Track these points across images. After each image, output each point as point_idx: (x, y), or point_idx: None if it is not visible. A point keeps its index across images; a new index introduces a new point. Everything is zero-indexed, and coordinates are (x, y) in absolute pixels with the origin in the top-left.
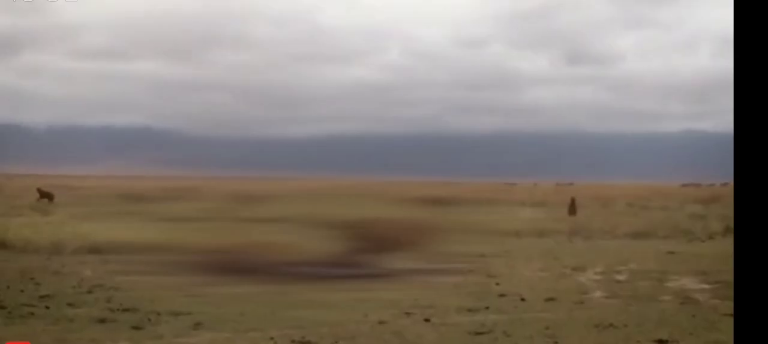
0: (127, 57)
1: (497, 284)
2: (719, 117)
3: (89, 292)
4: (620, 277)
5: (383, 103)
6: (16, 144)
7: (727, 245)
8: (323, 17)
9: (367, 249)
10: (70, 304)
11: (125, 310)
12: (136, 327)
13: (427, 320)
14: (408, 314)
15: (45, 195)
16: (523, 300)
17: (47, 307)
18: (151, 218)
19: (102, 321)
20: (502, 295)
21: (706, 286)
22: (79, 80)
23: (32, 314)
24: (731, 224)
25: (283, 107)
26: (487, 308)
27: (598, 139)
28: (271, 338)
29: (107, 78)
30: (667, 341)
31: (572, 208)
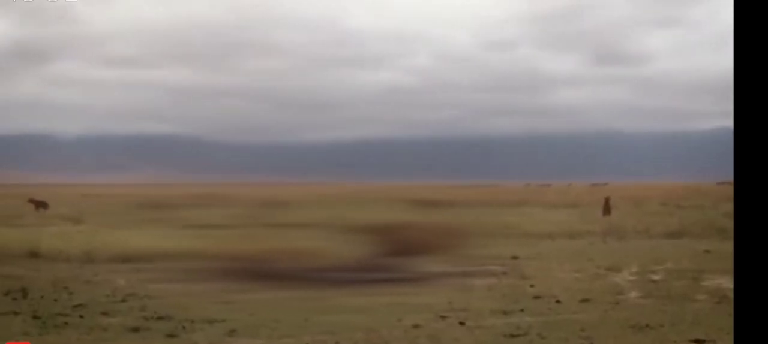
0: (154, 65)
1: (531, 286)
2: None
3: (123, 301)
4: (655, 277)
5: (412, 106)
6: (45, 153)
7: None
8: (350, 22)
9: (399, 253)
10: (103, 313)
11: (159, 318)
12: (171, 335)
13: (461, 323)
14: (442, 317)
15: (39, 204)
16: (557, 301)
17: (81, 316)
18: (181, 225)
19: (136, 329)
20: (536, 297)
21: None
22: (107, 89)
23: (66, 323)
24: None
25: (311, 112)
26: (522, 310)
27: (630, 138)
28: None
29: (135, 86)
30: (703, 341)
31: (606, 209)
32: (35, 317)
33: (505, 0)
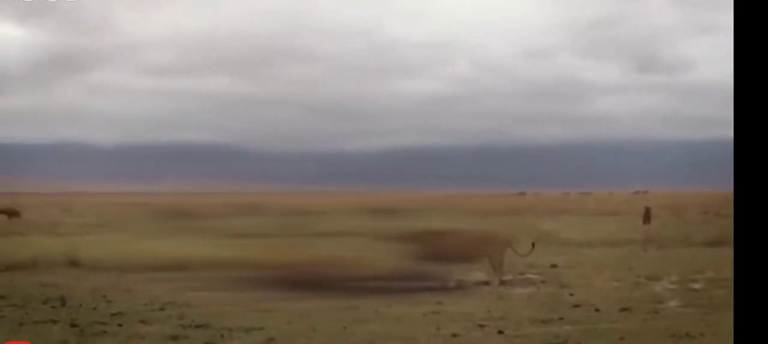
0: (191, 74)
1: (571, 295)
2: None
3: (161, 309)
4: (696, 286)
5: (450, 115)
6: (83, 162)
7: None
8: (389, 31)
9: (436, 262)
10: (142, 321)
11: (197, 327)
12: None
13: (500, 332)
14: (481, 326)
15: (11, 213)
16: (597, 310)
17: (120, 325)
18: (220, 234)
19: (174, 338)
20: (575, 306)
21: None
22: (144, 97)
23: (105, 332)
24: None
25: (348, 121)
26: (561, 319)
27: (669, 146)
28: None
29: (173, 95)
30: None
31: (646, 217)
32: (73, 325)
33: (544, 8)
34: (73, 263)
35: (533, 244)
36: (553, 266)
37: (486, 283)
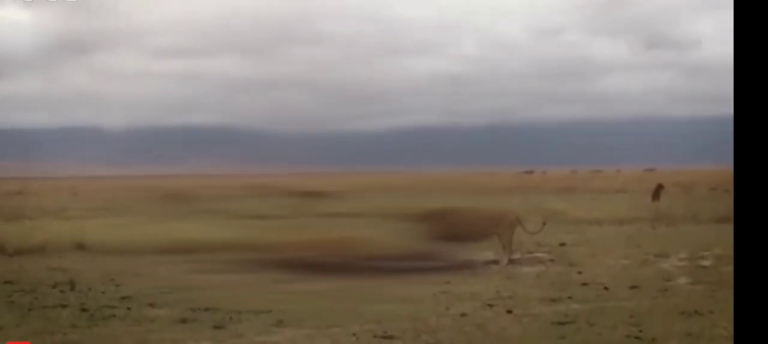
0: (202, 56)
1: (579, 273)
2: None
3: (169, 292)
4: (705, 263)
5: (461, 94)
6: (94, 145)
7: None
8: (398, 10)
9: (446, 241)
10: (151, 305)
11: (206, 310)
12: (218, 326)
13: (509, 311)
14: (490, 306)
15: None
16: (606, 288)
17: (129, 308)
18: (230, 216)
19: (183, 321)
20: (584, 284)
21: None
22: (155, 80)
23: (114, 315)
24: None
25: (360, 102)
26: (570, 298)
27: (678, 123)
28: (353, 334)
29: (183, 77)
30: None
31: (656, 194)
32: (83, 309)
33: None
34: (82, 247)
35: (544, 222)
36: (562, 244)
37: (495, 262)
